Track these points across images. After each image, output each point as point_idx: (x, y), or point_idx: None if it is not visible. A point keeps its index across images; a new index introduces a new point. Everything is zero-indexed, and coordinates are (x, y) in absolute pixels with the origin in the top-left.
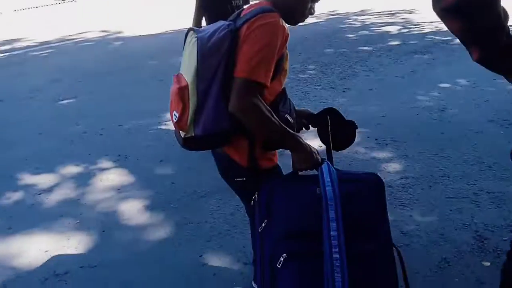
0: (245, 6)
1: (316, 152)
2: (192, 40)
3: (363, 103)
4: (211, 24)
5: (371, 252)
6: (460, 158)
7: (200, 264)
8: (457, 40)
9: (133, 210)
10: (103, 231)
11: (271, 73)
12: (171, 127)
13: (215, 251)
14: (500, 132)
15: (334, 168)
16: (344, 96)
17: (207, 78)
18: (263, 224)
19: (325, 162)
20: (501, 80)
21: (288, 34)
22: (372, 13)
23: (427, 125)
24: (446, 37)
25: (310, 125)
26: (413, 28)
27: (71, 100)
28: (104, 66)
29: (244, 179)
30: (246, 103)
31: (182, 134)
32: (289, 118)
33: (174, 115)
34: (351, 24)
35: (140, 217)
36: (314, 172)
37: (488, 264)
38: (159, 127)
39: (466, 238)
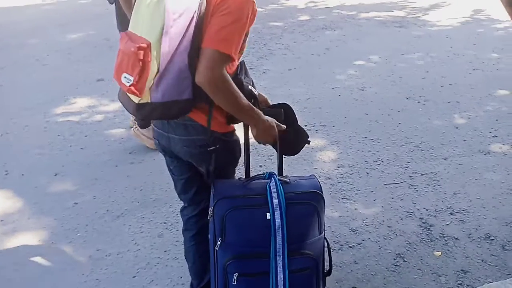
0: None
1: (274, 127)
2: None
3: (285, 85)
4: None
5: (307, 267)
6: (388, 139)
7: None
8: (363, 15)
9: (26, 248)
10: None
11: (239, 48)
12: (66, 124)
13: None
14: (419, 109)
15: (281, 180)
16: (265, 78)
17: (174, 39)
18: (218, 242)
19: (273, 178)
20: (409, 55)
21: (256, 10)
22: None
23: (351, 106)
24: (351, 11)
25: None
26: (319, 2)
27: None
28: None
29: (215, 146)
30: (216, 75)
31: (136, 99)
32: (253, 90)
33: (126, 77)
34: None
35: (38, 256)
36: (267, 175)
37: (439, 254)
38: (48, 126)
39: (413, 227)
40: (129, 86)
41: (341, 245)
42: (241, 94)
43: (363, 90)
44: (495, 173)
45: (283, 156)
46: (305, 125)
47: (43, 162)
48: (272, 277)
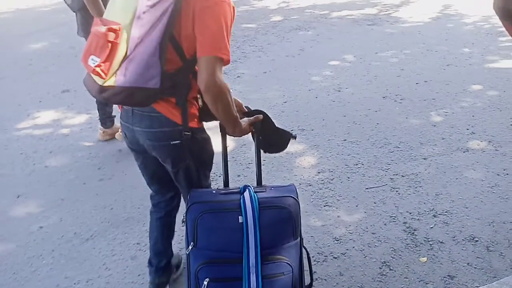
0: None
1: (247, 129)
2: None
3: (261, 88)
4: None
5: (281, 273)
6: (367, 141)
7: None
8: (335, 14)
9: None
10: None
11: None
12: (28, 141)
13: None
14: (396, 108)
15: (256, 189)
16: (240, 82)
17: (145, 26)
18: (190, 247)
19: (247, 188)
20: (383, 53)
21: (235, 14)
22: None
23: (328, 108)
24: (323, 11)
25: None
26: (291, 2)
27: None
28: None
29: (180, 141)
30: (219, 81)
31: (100, 81)
32: None
33: (93, 59)
34: None
35: None
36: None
37: (425, 259)
38: (8, 144)
39: (397, 232)
40: (94, 66)
41: (325, 256)
42: (233, 103)
43: (339, 91)
44: (475, 171)
45: (269, 153)
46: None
47: (4, 183)
48: (245, 284)
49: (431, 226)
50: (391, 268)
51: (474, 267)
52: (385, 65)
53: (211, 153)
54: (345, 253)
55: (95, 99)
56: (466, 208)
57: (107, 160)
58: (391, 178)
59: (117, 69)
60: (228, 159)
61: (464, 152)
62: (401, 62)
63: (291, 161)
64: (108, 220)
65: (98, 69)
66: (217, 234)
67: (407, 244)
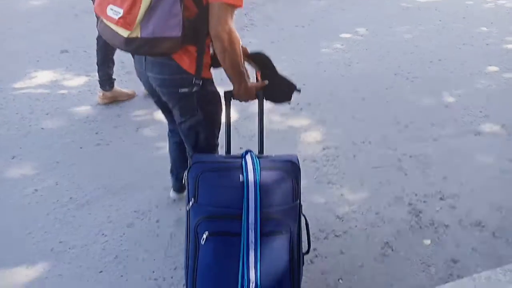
0: None
1: (253, 89)
2: None
3: None
4: None
5: (279, 231)
6: (376, 119)
7: None
8: None
9: None
10: None
11: None
12: (25, 101)
13: (113, 285)
14: (408, 86)
15: (258, 155)
16: None
17: None
18: (190, 203)
19: (249, 152)
20: (397, 28)
21: None
22: None
23: (337, 83)
24: None
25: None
26: None
27: None
28: None
29: (189, 89)
30: (228, 28)
31: (124, 33)
32: None
33: (113, 10)
34: None
35: None
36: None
37: (428, 242)
38: (4, 104)
39: (401, 214)
40: (118, 18)
41: (327, 233)
42: (242, 56)
43: (349, 65)
44: (486, 155)
45: (273, 102)
46: (289, 103)
47: None
48: (244, 239)
49: (437, 209)
50: (394, 249)
51: (479, 253)
52: (398, 41)
53: (219, 109)
54: (347, 231)
55: (96, 61)
56: (475, 192)
57: (105, 125)
58: (399, 158)
59: (141, 20)
60: (231, 129)
61: (475, 135)
62: (415, 38)
63: (295, 136)
64: (105, 186)
65: (122, 20)
66: (218, 191)
67: (411, 226)
